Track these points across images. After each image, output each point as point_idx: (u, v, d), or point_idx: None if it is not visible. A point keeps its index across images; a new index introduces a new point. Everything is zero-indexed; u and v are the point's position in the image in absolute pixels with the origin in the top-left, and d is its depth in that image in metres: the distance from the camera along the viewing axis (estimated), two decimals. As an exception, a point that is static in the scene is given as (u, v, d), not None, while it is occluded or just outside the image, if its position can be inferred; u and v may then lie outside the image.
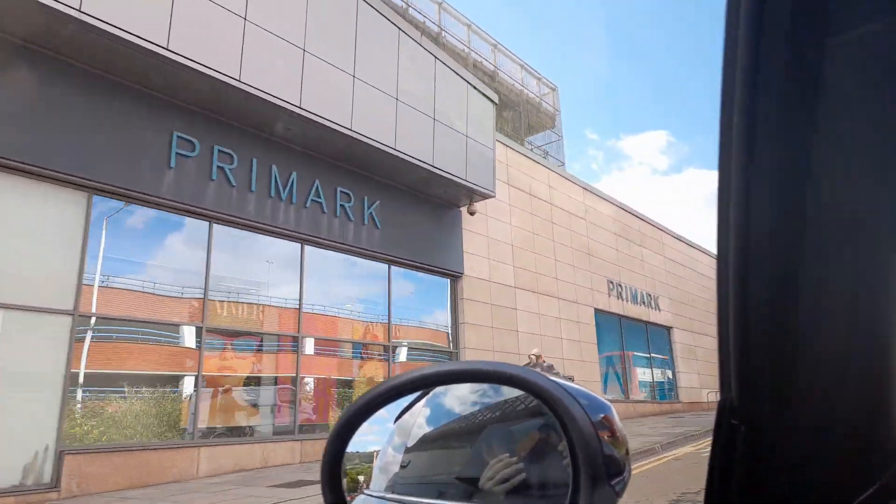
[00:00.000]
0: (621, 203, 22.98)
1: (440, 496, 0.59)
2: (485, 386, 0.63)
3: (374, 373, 12.29)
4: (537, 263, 17.35)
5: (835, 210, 0.43)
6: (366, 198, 12.08)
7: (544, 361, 14.38)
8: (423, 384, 0.59)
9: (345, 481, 0.62)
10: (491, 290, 15.33)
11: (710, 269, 29.62)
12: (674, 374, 24.45)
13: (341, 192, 11.60)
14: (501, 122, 27.24)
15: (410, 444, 0.63)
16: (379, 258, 12.41)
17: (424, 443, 0.62)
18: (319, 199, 11.16)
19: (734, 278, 0.47)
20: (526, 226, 17.24)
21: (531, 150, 28.81)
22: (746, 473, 0.51)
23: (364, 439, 0.61)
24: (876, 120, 0.41)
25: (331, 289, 11.81)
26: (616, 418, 0.58)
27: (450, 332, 14.37)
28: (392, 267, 12.80)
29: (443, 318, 14.42)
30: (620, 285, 21.51)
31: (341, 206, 11.56)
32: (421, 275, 13.75)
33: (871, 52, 0.40)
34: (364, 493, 0.60)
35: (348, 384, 11.90)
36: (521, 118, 30.21)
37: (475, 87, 13.82)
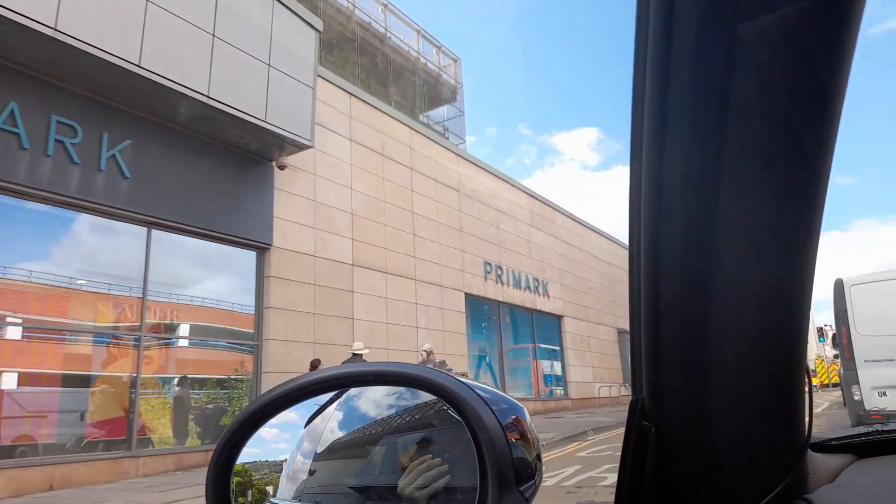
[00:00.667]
0: (505, 176, 20.51)
1: None
2: (401, 388, 0.58)
3: (121, 366, 9.16)
4: (389, 238, 14.56)
5: (746, 208, 0.41)
6: (106, 135, 8.89)
7: (436, 357, 12.20)
8: (313, 389, 0.54)
9: (250, 493, 0.56)
10: (316, 267, 12.41)
11: (610, 254, 27.76)
12: (563, 368, 22.30)
13: (60, 123, 8.37)
14: (391, 94, 24.37)
15: (320, 449, 0.57)
16: (127, 217, 9.24)
17: (334, 450, 0.57)
18: (16, 130, 7.90)
19: (645, 281, 0.46)
20: (375, 192, 14.40)
21: (428, 125, 26.08)
22: (656, 473, 0.51)
23: (274, 447, 0.57)
24: (788, 108, 0.40)
25: (48, 254, 8.60)
26: (528, 420, 0.53)
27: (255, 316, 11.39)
28: (154, 231, 9.66)
29: (251, 299, 11.42)
30: (500, 268, 19.04)
31: (59, 141, 8.33)
32: (213, 245, 10.68)
33: (783, 37, 0.39)
34: (270, 502, 0.55)
35: (82, 381, 8.73)
36: (416, 88, 27.26)
37: (283, 4, 10.79)
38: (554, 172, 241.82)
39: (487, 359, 18.50)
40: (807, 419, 0.52)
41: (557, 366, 22.32)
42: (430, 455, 0.52)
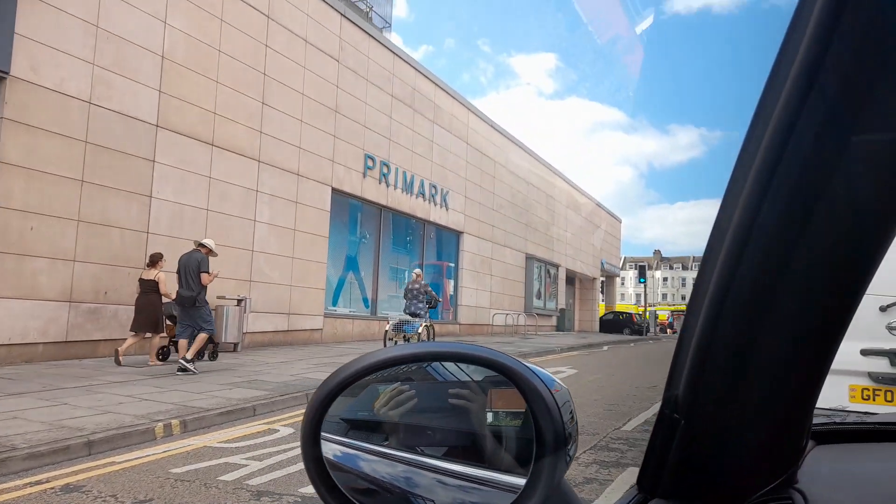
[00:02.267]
0: (405, 54, 17.07)
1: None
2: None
3: None
4: (223, 101, 11.18)
5: (815, 270, 0.46)
6: None
7: (422, 280, 12.58)
8: (397, 362, 0.58)
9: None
10: (92, 118, 9.03)
11: (530, 173, 25.10)
12: (456, 289, 19.91)
13: None
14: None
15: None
16: None
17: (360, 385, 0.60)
18: None
19: (714, 290, 0.50)
20: (204, 35, 10.87)
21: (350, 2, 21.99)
22: (679, 460, 0.57)
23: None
24: None
25: None
26: (567, 395, 0.58)
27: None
28: None
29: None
30: (387, 165, 15.99)
31: None
32: None
33: None
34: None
35: None
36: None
37: None
38: (509, 95, 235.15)
39: (359, 270, 15.76)
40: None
41: (450, 285, 19.93)
42: (400, 384, 0.57)
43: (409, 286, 12.39)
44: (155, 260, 8.65)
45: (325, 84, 13.77)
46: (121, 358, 8.22)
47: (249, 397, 6.19)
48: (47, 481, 3.61)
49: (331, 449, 0.57)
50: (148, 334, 8.47)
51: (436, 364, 0.59)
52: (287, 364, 9.23)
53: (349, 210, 15.26)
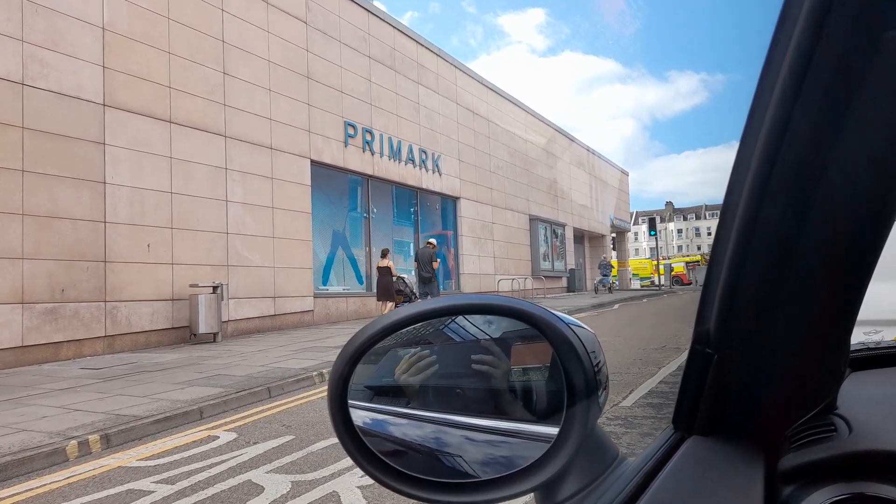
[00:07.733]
0: (381, 12, 15.98)
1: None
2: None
3: None
4: (177, 73, 10.31)
5: (845, 193, 0.46)
6: None
7: (608, 259, 22.35)
8: (434, 314, 0.58)
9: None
10: (28, 101, 8.22)
11: (529, 130, 24.00)
12: (457, 258, 19.10)
13: None
14: None
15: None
16: None
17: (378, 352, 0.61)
18: None
19: (738, 230, 0.50)
20: (148, 1, 9.94)
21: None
22: (714, 395, 0.56)
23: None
24: None
25: None
26: (596, 342, 0.59)
27: None
28: None
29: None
30: (371, 132, 15.06)
31: None
32: None
33: None
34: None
35: None
36: None
37: None
38: (501, 56, 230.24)
39: (348, 245, 14.97)
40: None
41: (452, 255, 19.12)
42: (420, 349, 0.57)
43: (601, 262, 25.69)
44: (385, 253, 12.88)
45: (294, 48, 12.80)
46: None
47: (198, 398, 5.48)
48: None
49: (359, 416, 0.56)
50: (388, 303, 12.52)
51: (453, 325, 0.57)
52: (263, 353, 8.53)
53: (332, 182, 14.40)
